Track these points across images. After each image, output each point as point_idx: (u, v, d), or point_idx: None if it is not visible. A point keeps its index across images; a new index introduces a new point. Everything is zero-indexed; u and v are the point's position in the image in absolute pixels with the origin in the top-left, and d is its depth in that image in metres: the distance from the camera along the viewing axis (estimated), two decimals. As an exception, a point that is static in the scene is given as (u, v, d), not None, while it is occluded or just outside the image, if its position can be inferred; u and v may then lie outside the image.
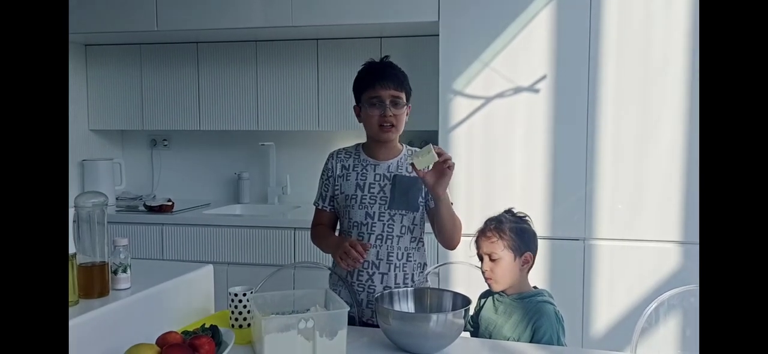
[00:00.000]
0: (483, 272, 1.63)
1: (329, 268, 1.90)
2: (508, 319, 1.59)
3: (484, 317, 1.66)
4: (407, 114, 1.77)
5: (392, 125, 1.72)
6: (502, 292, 1.62)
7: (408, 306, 1.56)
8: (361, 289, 1.76)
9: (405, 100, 1.74)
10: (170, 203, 3.09)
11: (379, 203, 1.75)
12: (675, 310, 2.03)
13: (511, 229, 1.61)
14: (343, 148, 1.85)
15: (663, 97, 2.43)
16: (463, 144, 2.58)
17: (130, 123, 3.36)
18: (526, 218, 1.67)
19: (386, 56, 1.82)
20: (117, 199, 3.37)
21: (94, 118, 3.38)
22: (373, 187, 1.76)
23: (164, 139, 3.52)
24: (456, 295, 1.54)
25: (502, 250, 1.59)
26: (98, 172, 3.29)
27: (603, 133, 2.48)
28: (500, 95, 2.54)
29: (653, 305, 1.74)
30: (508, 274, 1.60)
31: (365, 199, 1.75)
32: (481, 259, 1.65)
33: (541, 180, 2.54)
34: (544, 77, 2.51)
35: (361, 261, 1.67)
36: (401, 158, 1.79)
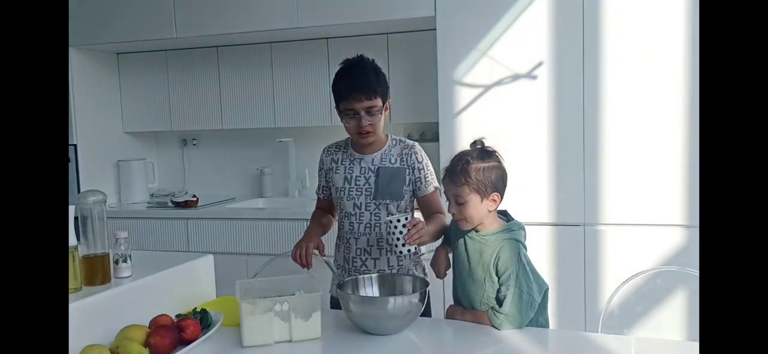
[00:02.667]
0: (452, 214, 1.64)
1: (326, 258, 2.01)
2: (480, 259, 1.60)
3: (457, 260, 1.68)
4: (387, 109, 1.83)
5: (369, 132, 1.80)
6: (474, 229, 1.63)
7: (373, 291, 1.65)
8: (357, 274, 1.87)
9: (381, 104, 1.78)
10: (195, 199, 3.29)
11: (365, 194, 1.85)
12: (658, 292, 2.06)
13: (476, 172, 1.58)
14: (334, 143, 1.97)
15: (663, 77, 2.42)
16: (464, 133, 2.64)
17: (161, 124, 3.59)
18: (495, 155, 1.63)
19: (359, 56, 1.85)
20: (151, 196, 3.61)
21: (127, 121, 3.63)
22: (359, 180, 1.86)
23: (194, 139, 3.74)
24: (415, 278, 1.62)
25: (468, 194, 1.58)
26: (132, 171, 3.53)
27: (602, 118, 2.49)
28: (498, 83, 2.59)
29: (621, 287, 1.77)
30: (477, 214, 1.60)
31: (353, 191, 1.87)
32: (448, 199, 1.64)
33: (541, 166, 2.57)
34: (540, 64, 2.54)
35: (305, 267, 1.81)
36: (385, 150, 1.87)
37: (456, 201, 1.61)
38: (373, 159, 1.87)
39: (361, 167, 1.87)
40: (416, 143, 1.91)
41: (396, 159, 1.86)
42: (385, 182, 1.84)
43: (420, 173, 1.86)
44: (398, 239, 1.67)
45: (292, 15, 2.92)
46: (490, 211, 1.62)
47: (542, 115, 2.55)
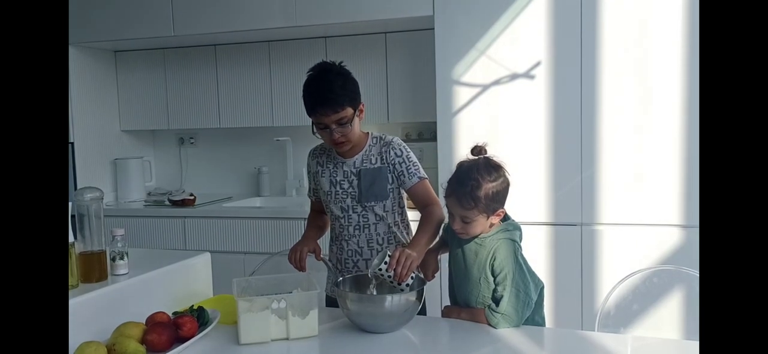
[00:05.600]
0: (455, 230, 1.60)
1: (323, 257, 2.01)
2: (476, 259, 1.60)
3: (453, 260, 1.66)
4: (361, 112, 1.78)
5: (343, 142, 1.76)
6: None
7: (370, 289, 1.65)
8: (348, 275, 1.87)
9: (351, 112, 1.72)
10: (192, 197, 3.29)
11: (351, 197, 1.83)
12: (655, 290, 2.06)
13: (486, 197, 1.53)
14: (319, 145, 1.93)
15: (660, 77, 2.42)
16: (463, 133, 2.65)
17: (158, 123, 3.58)
18: (502, 169, 1.58)
19: (322, 65, 1.76)
20: (148, 194, 3.60)
21: (124, 119, 3.63)
22: (343, 183, 1.84)
23: (191, 137, 3.73)
24: (412, 276, 1.61)
25: (477, 216, 1.55)
26: (129, 169, 3.53)
27: (600, 118, 2.49)
28: (496, 83, 2.59)
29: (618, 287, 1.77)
30: (480, 229, 1.58)
31: (339, 194, 1.85)
32: (451, 214, 1.60)
33: (538, 166, 2.58)
34: (538, 63, 2.54)
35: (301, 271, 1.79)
36: (365, 151, 1.83)
37: (462, 220, 1.57)
38: (354, 162, 1.83)
39: (344, 171, 1.84)
40: (394, 138, 1.86)
41: (376, 159, 1.82)
42: (367, 184, 1.81)
43: (401, 167, 1.82)
44: (392, 281, 1.57)
45: (290, 14, 2.92)
46: (492, 225, 1.60)
47: (540, 114, 2.55)
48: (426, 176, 1.85)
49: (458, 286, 1.67)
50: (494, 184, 1.55)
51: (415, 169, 1.83)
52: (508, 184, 1.59)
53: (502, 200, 1.58)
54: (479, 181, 1.54)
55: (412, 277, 1.60)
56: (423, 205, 1.84)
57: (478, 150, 1.61)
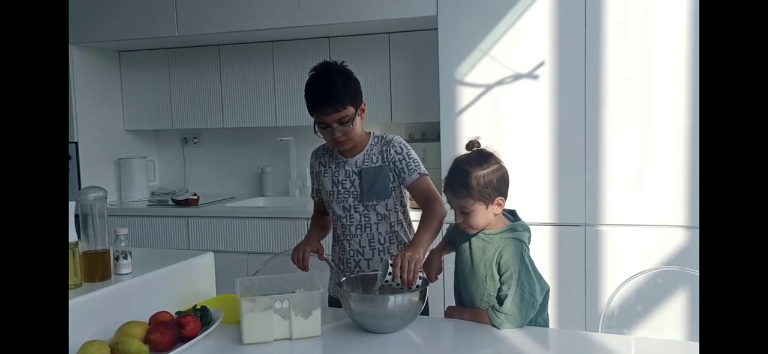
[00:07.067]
0: (458, 224, 1.63)
1: (326, 257, 2.01)
2: (482, 256, 1.60)
3: (460, 257, 1.67)
4: (363, 112, 1.79)
5: (344, 141, 1.77)
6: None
7: (373, 289, 1.64)
8: (351, 275, 1.87)
9: (352, 112, 1.73)
10: (196, 197, 3.30)
11: (353, 197, 1.83)
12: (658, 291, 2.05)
13: (477, 181, 1.55)
14: (322, 146, 1.93)
15: (664, 77, 2.42)
16: (466, 133, 2.64)
17: (162, 123, 3.59)
18: (494, 158, 1.60)
19: (324, 64, 1.78)
20: (152, 194, 3.61)
21: (128, 118, 3.63)
22: (345, 183, 1.84)
23: (194, 137, 3.74)
24: (420, 278, 1.59)
25: (472, 205, 1.57)
26: (133, 169, 3.53)
27: (603, 118, 2.49)
28: (500, 83, 2.59)
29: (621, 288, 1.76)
30: (483, 221, 1.60)
31: (341, 194, 1.85)
32: (452, 208, 1.63)
33: (542, 166, 2.57)
34: (542, 63, 2.54)
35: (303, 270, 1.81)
36: (367, 150, 1.84)
37: (461, 211, 1.59)
38: (356, 161, 1.84)
39: (346, 170, 1.85)
40: (395, 137, 1.86)
41: (377, 158, 1.83)
42: (369, 183, 1.81)
43: (401, 164, 1.82)
44: (402, 289, 1.56)
45: (294, 14, 2.92)
46: (496, 215, 1.61)
47: (543, 115, 2.55)
48: (426, 172, 1.85)
49: (464, 283, 1.67)
50: (485, 171, 1.57)
51: (416, 166, 1.83)
52: (503, 173, 1.61)
53: (499, 188, 1.59)
54: (469, 169, 1.57)
55: (419, 278, 1.59)
56: (424, 201, 1.83)
57: (471, 144, 1.64)
